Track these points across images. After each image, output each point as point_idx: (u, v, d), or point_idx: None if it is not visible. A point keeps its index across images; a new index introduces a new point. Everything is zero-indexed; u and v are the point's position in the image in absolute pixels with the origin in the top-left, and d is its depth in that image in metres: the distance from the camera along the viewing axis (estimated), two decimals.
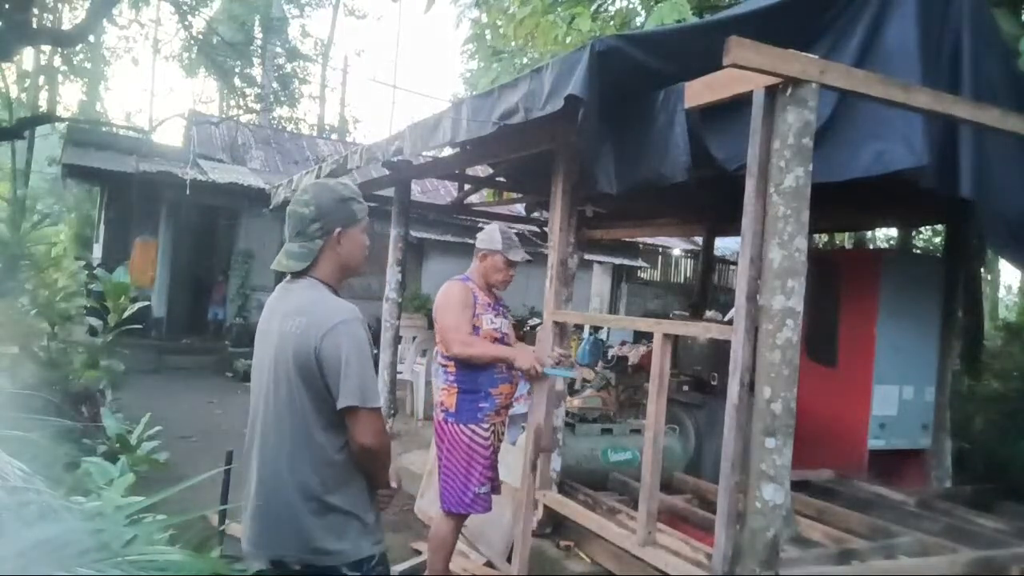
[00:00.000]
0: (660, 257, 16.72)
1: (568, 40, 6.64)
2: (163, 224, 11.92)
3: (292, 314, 1.96)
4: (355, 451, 1.93)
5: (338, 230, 2.00)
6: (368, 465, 1.98)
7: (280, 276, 2.14)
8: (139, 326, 6.91)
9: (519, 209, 8.93)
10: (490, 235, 3.51)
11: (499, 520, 4.01)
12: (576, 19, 6.63)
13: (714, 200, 5.33)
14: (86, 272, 8.25)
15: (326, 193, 2.03)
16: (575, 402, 4.72)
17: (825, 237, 11.09)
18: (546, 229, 5.66)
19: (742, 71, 2.39)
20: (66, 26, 13.16)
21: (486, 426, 3.34)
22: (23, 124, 10.72)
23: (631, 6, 8.02)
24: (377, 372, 5.17)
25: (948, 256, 5.28)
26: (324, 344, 1.87)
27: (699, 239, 9.16)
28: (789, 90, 2.42)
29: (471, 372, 3.34)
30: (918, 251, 11.58)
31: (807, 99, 2.43)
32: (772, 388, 2.43)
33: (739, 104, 2.67)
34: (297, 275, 2.04)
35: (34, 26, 8.82)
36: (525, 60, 9.02)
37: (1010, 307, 18.32)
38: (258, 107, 22.37)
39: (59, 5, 13.82)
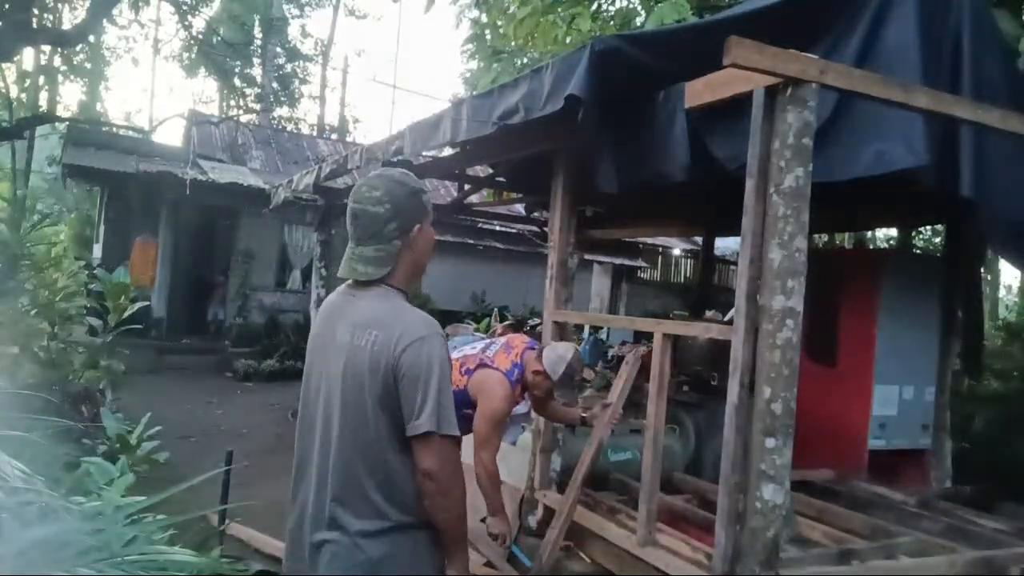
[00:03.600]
0: (660, 257, 16.71)
1: (568, 40, 6.65)
2: (163, 224, 11.92)
3: (366, 326, 1.75)
4: (420, 482, 1.72)
5: (416, 227, 1.83)
6: (435, 499, 1.74)
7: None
8: (139, 326, 6.91)
9: (519, 209, 8.93)
10: (559, 361, 3.30)
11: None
12: (576, 19, 6.64)
13: (714, 200, 5.33)
14: (86, 272, 8.23)
15: (399, 188, 1.82)
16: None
17: (825, 237, 11.08)
18: (546, 229, 5.65)
19: (742, 71, 2.39)
20: (66, 26, 13.16)
21: None
22: (23, 124, 10.74)
23: (631, 6, 8.02)
24: None
25: (948, 256, 5.27)
26: (403, 361, 1.69)
27: (699, 239, 9.15)
28: (789, 90, 2.42)
29: None
30: (918, 251, 11.56)
31: (807, 99, 2.43)
32: (772, 388, 2.43)
33: (739, 104, 2.67)
34: (363, 281, 1.83)
35: (34, 26, 8.82)
36: (525, 60, 9.02)
37: (1010, 307, 18.29)
38: (258, 107, 22.37)
39: (59, 5, 13.83)
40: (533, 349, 3.43)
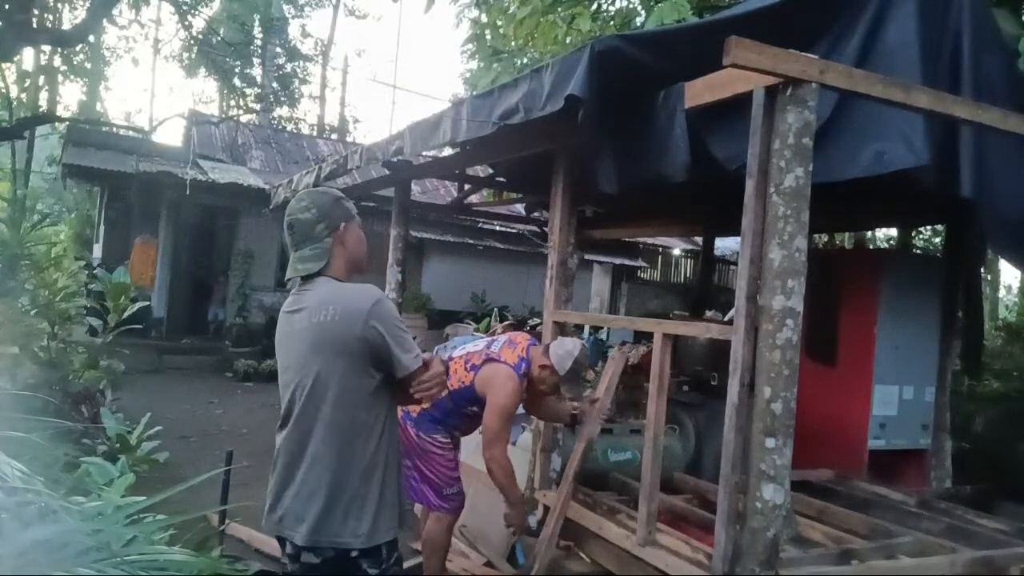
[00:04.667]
0: (660, 257, 16.72)
1: (568, 40, 6.66)
2: (163, 224, 11.92)
3: (321, 305, 2.01)
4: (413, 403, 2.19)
5: (342, 225, 2.11)
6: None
7: (280, 276, 2.16)
8: (139, 326, 6.92)
9: (519, 209, 8.92)
10: (566, 356, 3.29)
11: (499, 520, 4.01)
12: (576, 19, 6.64)
13: (714, 200, 5.33)
14: (86, 272, 8.24)
15: (321, 196, 2.15)
16: (575, 402, 4.71)
17: (825, 237, 11.08)
18: (546, 229, 5.65)
19: (742, 71, 2.40)
20: (66, 26, 13.15)
21: (443, 436, 3.39)
22: (23, 124, 10.73)
23: (631, 6, 8.02)
24: None
25: (948, 256, 5.27)
26: (368, 327, 1.96)
27: (699, 239, 9.15)
28: (789, 90, 2.42)
29: (449, 406, 3.35)
30: (918, 251, 11.56)
31: (807, 99, 2.43)
32: (772, 388, 2.43)
33: (739, 104, 2.67)
34: (308, 279, 2.10)
35: (34, 26, 8.81)
36: (525, 60, 9.02)
37: (1010, 307, 18.30)
38: (258, 107, 22.35)
39: (59, 5, 13.82)
40: (536, 345, 3.43)
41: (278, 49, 24.17)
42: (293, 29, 25.37)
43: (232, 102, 24.17)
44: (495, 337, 3.58)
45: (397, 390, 2.07)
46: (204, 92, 29.29)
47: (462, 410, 3.36)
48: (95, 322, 6.40)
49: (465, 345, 3.57)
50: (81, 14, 12.51)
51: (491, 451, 3.21)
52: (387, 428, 2.06)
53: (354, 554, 1.97)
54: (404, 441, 3.38)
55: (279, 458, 2.08)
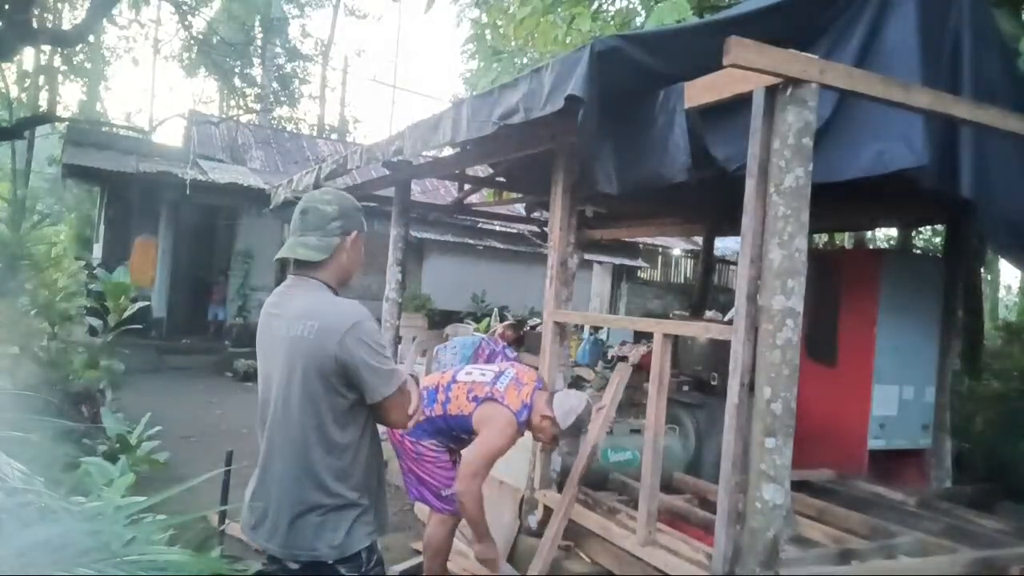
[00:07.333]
0: (660, 257, 16.73)
1: (568, 40, 6.65)
2: (163, 224, 11.92)
3: (301, 317, 1.95)
4: (393, 424, 2.13)
5: (355, 232, 2.07)
6: (401, 425, 2.16)
7: (280, 276, 2.13)
8: (139, 326, 6.91)
9: (519, 209, 8.92)
10: (570, 412, 3.27)
11: (499, 520, 4.01)
12: (576, 19, 6.63)
13: (714, 200, 5.33)
14: (86, 272, 8.25)
15: (346, 199, 2.11)
16: None
17: (825, 237, 11.08)
18: (546, 229, 5.65)
19: (742, 71, 2.40)
20: (66, 26, 13.14)
21: (436, 443, 3.38)
22: (23, 124, 10.72)
23: (631, 6, 8.01)
24: None
25: (948, 256, 5.27)
26: (344, 348, 1.90)
27: (699, 239, 9.15)
28: (789, 90, 2.42)
29: (443, 427, 3.34)
30: (918, 251, 11.56)
31: (807, 99, 2.43)
32: (772, 388, 2.43)
33: (739, 104, 2.67)
34: (298, 276, 2.05)
35: (34, 26, 8.81)
36: (525, 60, 9.01)
37: (1010, 307, 18.31)
38: (258, 107, 22.35)
39: (59, 5, 13.81)
40: (542, 390, 3.40)
41: (278, 49, 24.19)
42: (293, 29, 25.40)
43: (232, 102, 24.18)
44: (502, 368, 3.51)
45: (374, 411, 2.03)
46: (204, 92, 29.36)
47: (454, 433, 3.36)
48: (95, 322, 6.41)
49: (471, 370, 3.52)
50: (81, 14, 12.50)
51: (467, 484, 3.14)
52: (364, 442, 2.02)
53: (331, 561, 1.95)
54: (398, 446, 3.39)
55: (260, 462, 2.07)
